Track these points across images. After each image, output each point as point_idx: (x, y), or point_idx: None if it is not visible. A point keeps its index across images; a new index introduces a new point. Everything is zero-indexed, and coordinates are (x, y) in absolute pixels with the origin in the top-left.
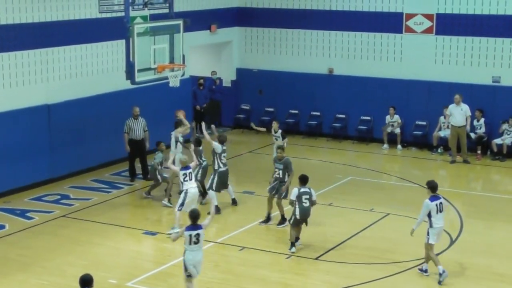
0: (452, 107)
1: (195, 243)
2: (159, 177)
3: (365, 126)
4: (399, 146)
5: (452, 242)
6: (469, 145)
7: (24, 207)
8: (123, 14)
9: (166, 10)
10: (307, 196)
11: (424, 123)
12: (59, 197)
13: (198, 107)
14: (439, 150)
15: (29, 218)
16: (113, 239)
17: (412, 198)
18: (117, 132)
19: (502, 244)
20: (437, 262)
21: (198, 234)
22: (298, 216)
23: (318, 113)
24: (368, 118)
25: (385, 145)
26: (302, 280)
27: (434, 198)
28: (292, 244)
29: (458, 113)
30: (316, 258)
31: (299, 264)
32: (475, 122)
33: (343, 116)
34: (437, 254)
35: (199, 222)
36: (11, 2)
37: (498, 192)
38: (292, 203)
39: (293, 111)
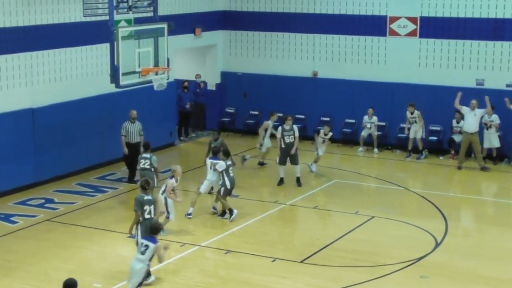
0: (466, 112)
1: (142, 253)
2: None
3: (350, 129)
4: (375, 150)
5: (437, 245)
6: (456, 148)
7: (8, 211)
8: (107, 17)
9: (151, 14)
10: (232, 167)
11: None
12: (43, 201)
13: (187, 105)
14: (423, 153)
15: (13, 222)
16: (98, 243)
17: (397, 200)
18: (102, 136)
19: (488, 247)
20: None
21: (147, 246)
22: (229, 186)
23: (302, 116)
24: (353, 121)
25: (360, 148)
26: (287, 283)
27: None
28: (231, 211)
29: (472, 118)
30: (301, 261)
31: (284, 267)
32: (454, 123)
33: (327, 119)
34: (422, 258)
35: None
36: None
37: (484, 195)
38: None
39: (277, 114)
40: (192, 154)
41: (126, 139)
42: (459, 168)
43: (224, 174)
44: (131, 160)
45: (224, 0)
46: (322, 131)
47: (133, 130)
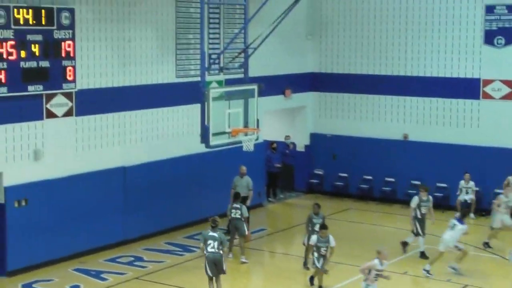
0: None
1: None
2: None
3: (441, 194)
4: (471, 215)
5: None
6: None
7: (99, 268)
8: (199, 78)
9: (241, 75)
10: None
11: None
12: (132, 259)
13: (277, 165)
14: None
15: (103, 279)
16: None
17: (492, 269)
18: (191, 195)
19: None
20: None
21: None
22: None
23: (392, 179)
24: (444, 185)
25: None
26: None
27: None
28: None
29: None
30: None
31: None
32: None
33: (418, 182)
34: None
35: None
36: (93, 67)
37: None
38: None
39: (367, 177)
40: (280, 215)
41: (234, 192)
42: None
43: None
44: None
45: (314, 62)
46: None
47: (240, 184)
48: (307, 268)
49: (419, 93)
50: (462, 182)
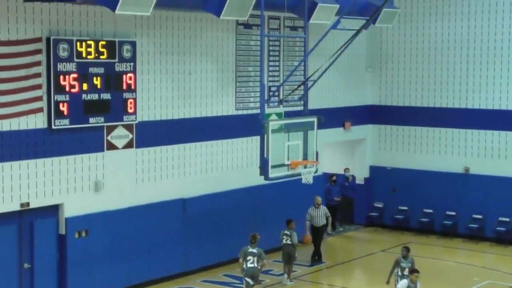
0: None
1: None
2: None
3: (504, 228)
4: None
5: None
6: None
7: None
8: (258, 111)
9: (301, 108)
10: None
11: None
12: None
13: (338, 198)
14: None
15: None
16: None
17: None
18: (250, 227)
19: None
20: None
21: None
22: None
23: (453, 213)
24: (507, 219)
25: None
26: None
27: None
28: None
29: None
30: None
31: None
32: None
33: (480, 216)
34: None
35: None
36: (153, 99)
37: None
38: None
39: (427, 210)
40: (339, 248)
41: (310, 223)
42: None
43: None
44: (317, 243)
45: (374, 94)
46: None
47: (317, 215)
48: None
49: (480, 126)
50: None
